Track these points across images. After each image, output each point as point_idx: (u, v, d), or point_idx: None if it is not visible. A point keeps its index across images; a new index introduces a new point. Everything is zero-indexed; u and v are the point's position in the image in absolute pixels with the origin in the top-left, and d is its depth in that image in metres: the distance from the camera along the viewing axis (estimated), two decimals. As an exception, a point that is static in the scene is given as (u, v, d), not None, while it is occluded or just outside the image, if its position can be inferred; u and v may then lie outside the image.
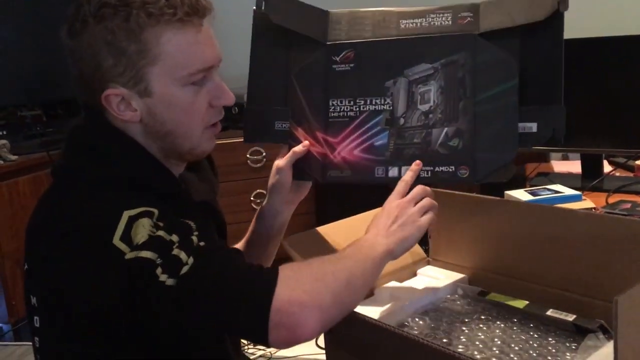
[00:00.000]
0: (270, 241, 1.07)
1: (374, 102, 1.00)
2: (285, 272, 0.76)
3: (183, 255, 0.72)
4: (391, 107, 1.00)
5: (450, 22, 0.99)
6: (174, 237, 0.74)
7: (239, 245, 1.08)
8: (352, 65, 1.02)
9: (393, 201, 0.92)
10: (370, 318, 0.83)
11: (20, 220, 2.02)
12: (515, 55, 0.94)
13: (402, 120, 0.99)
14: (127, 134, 0.84)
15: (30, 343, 0.87)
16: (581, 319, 0.88)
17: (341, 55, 1.02)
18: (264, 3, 1.02)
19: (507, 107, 0.93)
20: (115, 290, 0.73)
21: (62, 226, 0.77)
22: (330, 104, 1.02)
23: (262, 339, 0.73)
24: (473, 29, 0.97)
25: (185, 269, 0.71)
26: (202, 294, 0.72)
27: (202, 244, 0.75)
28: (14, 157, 2.13)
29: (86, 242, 0.74)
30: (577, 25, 2.61)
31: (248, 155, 2.52)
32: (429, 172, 0.97)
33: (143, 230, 0.73)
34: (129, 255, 0.72)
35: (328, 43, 1.03)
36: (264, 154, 2.52)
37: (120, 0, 0.78)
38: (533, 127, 0.93)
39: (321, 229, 1.09)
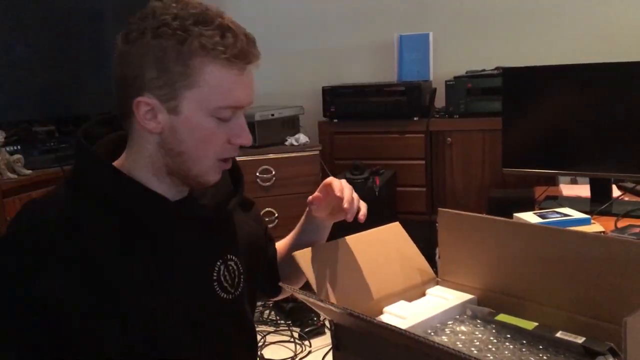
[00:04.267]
0: (316, 242, 1.14)
1: None
2: None
3: None
4: None
5: None
6: None
7: (283, 242, 1.20)
8: None
9: None
10: (385, 323, 0.83)
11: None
12: None
13: None
14: (117, 170, 0.90)
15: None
16: (590, 341, 0.88)
17: None
18: None
19: None
20: None
21: None
22: None
23: None
24: None
25: None
26: None
27: None
28: (27, 172, 2.15)
29: None
30: (586, 50, 2.63)
31: (257, 174, 2.54)
32: None
33: None
34: None
35: None
36: (273, 172, 2.54)
37: (181, 25, 0.85)
38: None
39: (333, 243, 1.11)
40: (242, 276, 1.02)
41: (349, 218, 1.02)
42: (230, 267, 0.99)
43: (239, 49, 0.86)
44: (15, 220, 0.88)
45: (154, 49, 0.85)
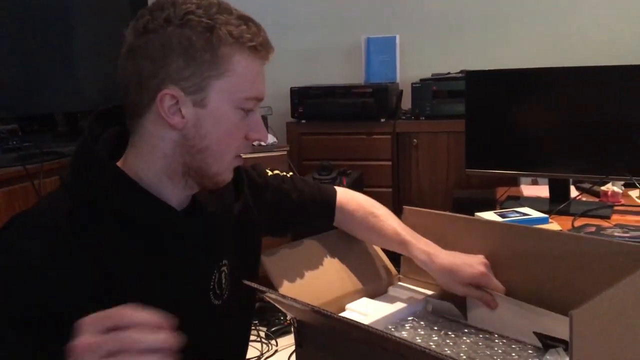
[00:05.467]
0: None
1: None
2: None
3: None
4: None
5: None
6: None
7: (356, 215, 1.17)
8: None
9: None
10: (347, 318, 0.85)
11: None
12: None
13: None
14: (121, 171, 0.84)
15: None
16: (544, 335, 0.92)
17: None
18: None
19: None
20: None
21: None
22: None
23: None
24: None
25: None
26: None
27: None
28: (-11, 171, 2.11)
29: None
30: (549, 54, 2.70)
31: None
32: None
33: None
34: None
35: None
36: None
37: (206, 13, 0.82)
38: None
39: (298, 242, 1.13)
40: (228, 279, 0.97)
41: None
42: (223, 273, 0.96)
43: (263, 39, 0.86)
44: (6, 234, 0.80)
45: (179, 38, 0.81)
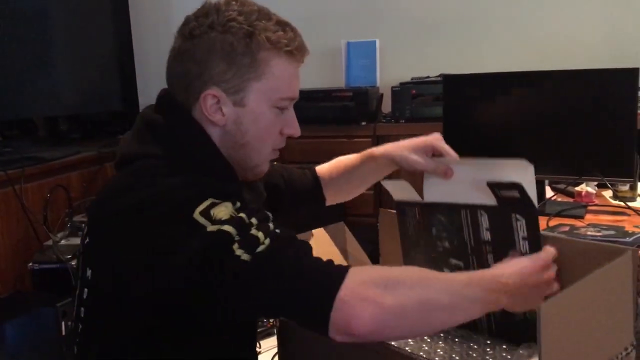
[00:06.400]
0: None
1: None
2: (356, 270, 0.77)
3: (261, 235, 0.77)
4: None
5: None
6: (253, 220, 0.79)
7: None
8: None
9: (536, 270, 0.86)
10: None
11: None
12: None
13: None
14: (207, 134, 0.92)
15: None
16: (496, 183, 0.92)
17: None
18: None
19: None
20: (182, 272, 0.76)
21: (139, 200, 0.82)
22: None
23: (321, 326, 0.74)
24: None
25: (261, 247, 0.76)
26: (274, 274, 0.76)
27: (278, 231, 0.80)
28: (-30, 176, 2.10)
29: (165, 214, 0.79)
30: (527, 58, 2.75)
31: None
32: None
33: (225, 210, 0.79)
34: (211, 228, 0.76)
35: None
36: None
37: (246, 19, 0.90)
38: None
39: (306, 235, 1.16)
40: None
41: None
42: None
43: (299, 43, 0.94)
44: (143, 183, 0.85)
45: (222, 43, 0.89)
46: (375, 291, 0.74)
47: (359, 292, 0.74)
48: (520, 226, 0.91)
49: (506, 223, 0.92)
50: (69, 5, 2.58)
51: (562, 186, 2.04)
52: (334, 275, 0.76)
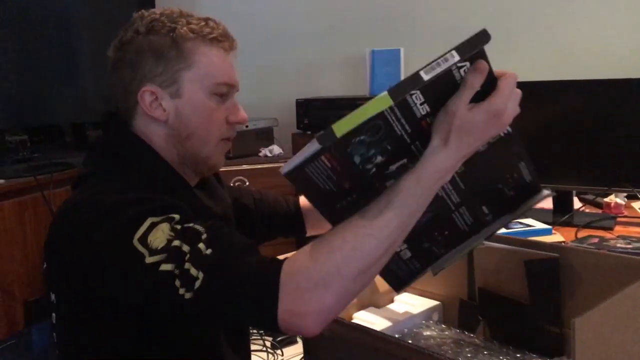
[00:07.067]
0: None
1: None
2: (286, 277, 0.75)
3: (193, 271, 0.76)
4: None
5: None
6: (185, 248, 0.77)
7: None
8: None
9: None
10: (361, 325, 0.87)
11: (3, 243, 2.03)
12: None
13: None
14: (146, 143, 0.94)
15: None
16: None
17: None
18: None
19: None
20: (140, 290, 0.78)
21: (88, 218, 0.83)
22: None
23: (276, 333, 0.77)
24: None
25: (197, 283, 0.75)
26: (216, 305, 0.77)
27: (209, 252, 0.77)
28: (0, 181, 2.14)
29: (107, 240, 0.80)
30: (552, 67, 2.72)
31: (232, 185, 2.56)
32: None
33: (162, 235, 0.78)
34: (149, 259, 0.77)
35: None
36: (247, 183, 2.57)
37: (168, 18, 0.94)
38: None
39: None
40: None
41: None
42: None
43: (222, 31, 0.96)
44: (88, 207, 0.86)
45: (148, 43, 0.92)
46: (309, 303, 0.74)
47: (295, 312, 0.74)
48: (465, 70, 0.82)
49: (448, 78, 0.82)
50: (96, 12, 2.62)
51: (590, 197, 2.01)
52: (268, 295, 0.74)
